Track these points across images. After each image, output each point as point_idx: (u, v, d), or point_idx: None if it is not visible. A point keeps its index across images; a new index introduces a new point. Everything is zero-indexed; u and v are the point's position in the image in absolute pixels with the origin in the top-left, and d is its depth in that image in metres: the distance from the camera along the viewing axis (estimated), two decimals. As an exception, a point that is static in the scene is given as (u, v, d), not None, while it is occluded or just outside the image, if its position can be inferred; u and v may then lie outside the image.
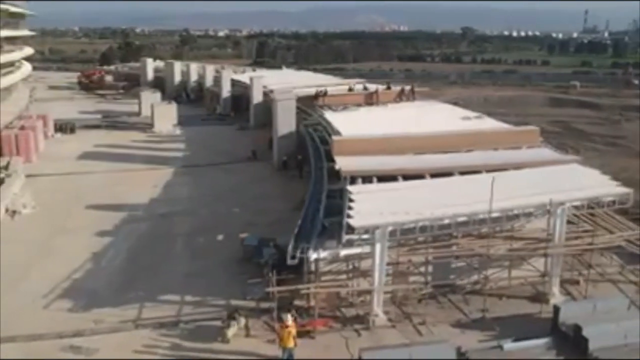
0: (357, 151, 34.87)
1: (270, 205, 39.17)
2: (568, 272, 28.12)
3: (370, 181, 30.31)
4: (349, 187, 28.24)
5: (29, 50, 74.91)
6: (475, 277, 27.39)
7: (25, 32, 74.74)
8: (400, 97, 57.48)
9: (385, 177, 30.48)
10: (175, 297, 26.68)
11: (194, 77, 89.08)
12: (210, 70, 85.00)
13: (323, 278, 25.64)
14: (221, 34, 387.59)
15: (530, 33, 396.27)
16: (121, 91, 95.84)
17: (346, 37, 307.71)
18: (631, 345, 22.17)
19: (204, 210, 38.81)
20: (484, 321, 24.70)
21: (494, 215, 24.69)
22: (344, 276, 26.14)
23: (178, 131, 64.92)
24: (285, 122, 48.07)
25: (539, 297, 26.52)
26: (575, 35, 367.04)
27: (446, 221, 24.41)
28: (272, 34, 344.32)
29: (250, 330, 23.77)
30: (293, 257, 23.84)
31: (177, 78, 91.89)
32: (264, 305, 25.37)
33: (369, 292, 24.95)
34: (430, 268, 27.05)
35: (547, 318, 24.42)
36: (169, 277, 28.73)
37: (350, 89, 59.89)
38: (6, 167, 43.18)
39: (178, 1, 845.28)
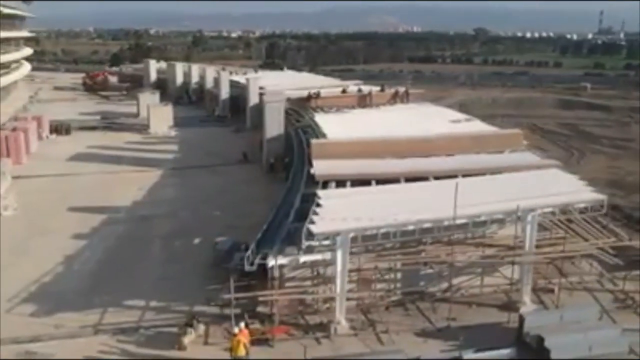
0: (337, 154, 34.53)
1: (253, 208, 38.66)
2: (545, 280, 27.58)
3: (344, 185, 29.93)
4: (319, 192, 27.83)
5: (28, 51, 75.34)
6: (445, 285, 26.84)
7: (23, 34, 75.10)
8: (394, 99, 56.93)
9: (360, 182, 30.09)
10: (140, 302, 26.39)
11: (195, 78, 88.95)
12: (210, 71, 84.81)
13: (287, 284, 25.28)
14: (234, 35, 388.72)
15: (544, 34, 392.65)
16: (124, 92, 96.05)
17: (358, 38, 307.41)
18: (596, 357, 21.61)
19: (186, 212, 38.53)
20: (449, 330, 24.16)
21: (460, 221, 24.14)
22: (309, 282, 25.71)
23: (173, 133, 64.82)
24: (274, 124, 47.63)
25: (510, 306, 25.88)
26: (590, 36, 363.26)
27: (410, 227, 23.92)
28: (284, 35, 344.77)
29: (210, 337, 23.43)
30: (252, 264, 23.42)
31: (179, 79, 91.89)
32: (228, 311, 24.99)
33: (334, 299, 24.52)
34: (398, 275, 26.54)
35: (515, 328, 23.89)
36: (139, 281, 28.46)
37: (343, 91, 59.39)
38: (-7, 169, 43.23)
39: (194, 1, 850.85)
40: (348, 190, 28.93)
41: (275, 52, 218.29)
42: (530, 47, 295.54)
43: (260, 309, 25.04)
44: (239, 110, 72.43)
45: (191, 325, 23.18)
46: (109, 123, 69.91)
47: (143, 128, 65.99)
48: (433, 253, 25.22)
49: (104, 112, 77.68)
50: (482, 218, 24.88)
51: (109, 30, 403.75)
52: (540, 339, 21.58)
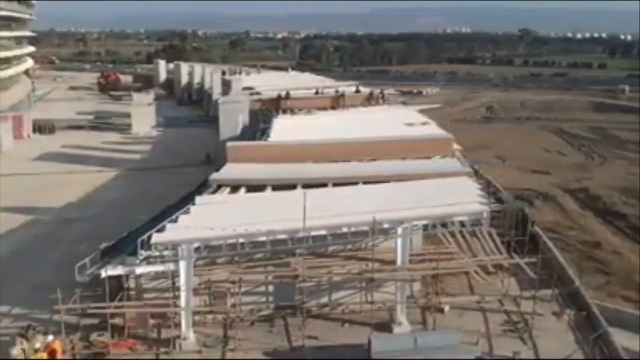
0: (253, 158, 32.99)
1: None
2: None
3: (238, 191, 28.44)
4: (197, 198, 26.41)
5: (30, 49, 76.89)
6: (325, 300, 25.00)
7: (21, 34, 76.39)
8: (369, 101, 55.06)
9: (255, 187, 28.52)
10: (4, 309, 25.48)
11: (197, 79, 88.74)
12: (208, 72, 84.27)
13: (146, 295, 23.96)
14: (280, 36, 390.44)
15: (596, 35, 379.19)
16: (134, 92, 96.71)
17: (402, 39, 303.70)
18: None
19: (111, 216, 37.41)
20: (303, 350, 22.31)
21: (317, 233, 22.30)
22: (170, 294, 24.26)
23: (155, 133, 64.49)
24: (229, 126, 46.41)
25: (387, 326, 23.81)
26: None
27: (262, 239, 22.20)
28: (327, 36, 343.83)
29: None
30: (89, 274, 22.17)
31: (185, 80, 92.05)
32: (89, 321, 23.90)
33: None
34: (270, 288, 24.81)
35: (377, 351, 21.81)
36: (17, 288, 27.48)
37: (317, 93, 57.72)
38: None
39: (241, 2, 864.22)
40: (228, 197, 27.44)
41: (310, 53, 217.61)
42: (578, 48, 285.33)
43: (115, 321, 23.71)
44: (230, 111, 71.55)
45: (24, 336, 21.97)
46: (98, 123, 70.14)
47: (128, 128, 65.89)
48: (296, 266, 23.37)
49: (101, 111, 78.17)
50: (345, 230, 22.92)
51: (159, 31, 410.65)
52: (378, 367, 19.57)
